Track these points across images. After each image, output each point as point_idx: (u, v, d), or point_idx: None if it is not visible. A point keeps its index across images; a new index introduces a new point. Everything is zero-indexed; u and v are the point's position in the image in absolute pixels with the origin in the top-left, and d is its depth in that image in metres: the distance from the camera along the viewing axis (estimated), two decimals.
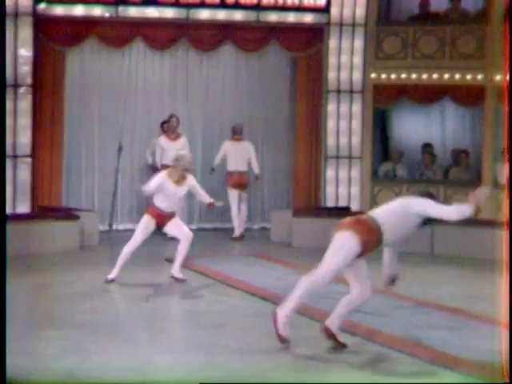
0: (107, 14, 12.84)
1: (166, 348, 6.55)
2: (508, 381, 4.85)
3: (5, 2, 6.89)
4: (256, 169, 12.89)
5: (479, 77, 12.66)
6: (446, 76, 12.75)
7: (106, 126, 13.46)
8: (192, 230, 12.07)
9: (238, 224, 12.87)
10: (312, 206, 12.48)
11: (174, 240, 12.53)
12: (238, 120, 13.33)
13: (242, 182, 12.89)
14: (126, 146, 13.32)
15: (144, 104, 13.69)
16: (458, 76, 12.69)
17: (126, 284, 9.05)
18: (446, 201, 12.42)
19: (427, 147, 13.44)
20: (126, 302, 8.58)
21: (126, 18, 12.97)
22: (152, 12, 13.05)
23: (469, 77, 12.70)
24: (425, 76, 12.83)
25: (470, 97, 12.88)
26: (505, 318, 5.32)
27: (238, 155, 12.81)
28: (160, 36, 13.30)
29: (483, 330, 7.10)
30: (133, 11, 12.98)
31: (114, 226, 13.21)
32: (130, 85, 13.54)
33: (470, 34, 12.61)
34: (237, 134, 13.01)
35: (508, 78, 9.43)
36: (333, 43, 13.38)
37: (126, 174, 13.54)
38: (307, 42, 13.51)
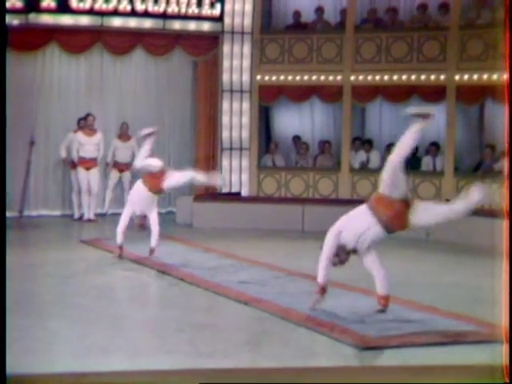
0: (15, 22, 12.47)
1: (75, 320, 6.54)
2: (508, 381, 4.63)
3: (5, 3, 6.56)
4: None
5: (339, 77, 13.25)
6: (314, 77, 13.31)
7: (18, 122, 12.79)
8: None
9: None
10: (210, 192, 12.88)
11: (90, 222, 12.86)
12: (147, 118, 13.61)
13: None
14: (40, 140, 13.41)
15: (60, 102, 13.63)
16: (322, 77, 13.30)
17: (34, 264, 8.96)
18: (314, 185, 13.14)
19: (296, 138, 14.02)
20: (37, 281, 8.23)
21: (39, 24, 12.85)
22: (67, 19, 13.04)
23: (331, 78, 13.28)
24: (298, 78, 13.40)
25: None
26: (505, 318, 5.21)
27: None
28: (75, 41, 13.33)
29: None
30: (46, 18, 12.84)
31: (27, 213, 13.10)
32: (44, 85, 13.48)
33: (332, 42, 13.27)
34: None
35: (508, 77, 9.79)
36: (226, 49, 13.72)
37: (39, 166, 13.52)
38: (205, 48, 13.82)
